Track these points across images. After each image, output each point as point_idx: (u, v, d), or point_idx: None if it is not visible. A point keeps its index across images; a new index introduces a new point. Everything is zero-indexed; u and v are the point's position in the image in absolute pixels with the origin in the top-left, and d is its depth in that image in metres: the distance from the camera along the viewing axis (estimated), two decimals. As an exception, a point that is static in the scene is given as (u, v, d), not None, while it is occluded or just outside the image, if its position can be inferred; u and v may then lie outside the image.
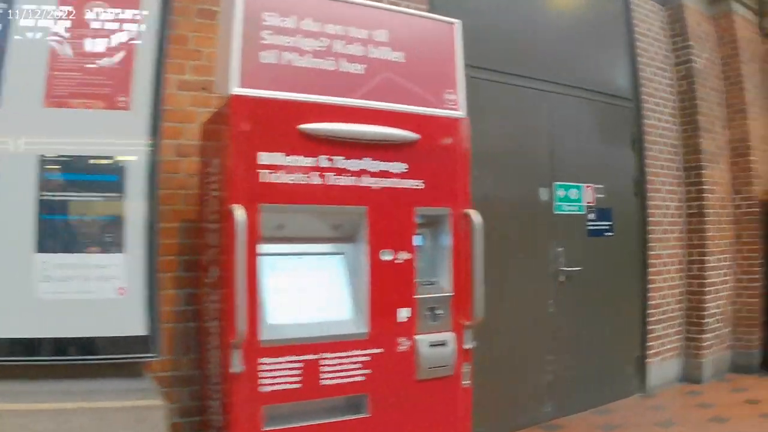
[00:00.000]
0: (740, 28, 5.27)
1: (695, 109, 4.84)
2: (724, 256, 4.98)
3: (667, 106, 4.86)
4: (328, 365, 2.07)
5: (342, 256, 2.27)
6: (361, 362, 2.13)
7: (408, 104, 2.30)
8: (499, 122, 3.73)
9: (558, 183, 3.98)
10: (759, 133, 5.22)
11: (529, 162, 3.90)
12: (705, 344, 4.78)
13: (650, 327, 4.55)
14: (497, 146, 3.69)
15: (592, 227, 4.16)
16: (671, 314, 4.73)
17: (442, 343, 2.31)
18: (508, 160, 3.78)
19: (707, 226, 4.78)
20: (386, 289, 2.20)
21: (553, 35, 4.12)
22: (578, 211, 4.09)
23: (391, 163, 2.23)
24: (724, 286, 4.98)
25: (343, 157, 2.14)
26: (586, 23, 4.43)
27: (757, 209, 5.07)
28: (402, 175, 2.26)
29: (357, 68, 2.25)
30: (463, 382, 2.36)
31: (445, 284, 2.36)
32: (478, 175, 3.47)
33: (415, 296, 2.26)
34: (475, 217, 2.35)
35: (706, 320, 4.76)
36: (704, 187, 4.79)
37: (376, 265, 2.19)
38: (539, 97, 3.97)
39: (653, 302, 4.56)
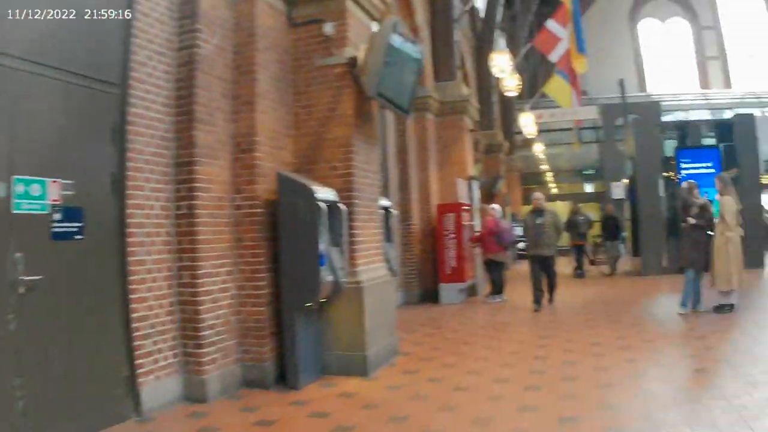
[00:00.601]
0: (262, 15, 7.04)
1: (193, 98, 6.32)
2: (223, 261, 6.61)
3: (161, 95, 6.22)
4: None
5: None
6: None
7: None
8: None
9: (18, 177, 4.78)
10: (268, 127, 7.06)
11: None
12: (206, 359, 6.24)
13: (138, 342, 5.75)
14: None
15: (57, 229, 5.10)
16: (162, 327, 6.05)
17: None
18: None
19: (199, 228, 6.26)
20: None
21: (26, 3, 4.89)
22: (42, 210, 4.97)
23: None
24: (224, 294, 6.59)
25: None
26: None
27: (261, 210, 6.82)
28: None
29: None
30: None
31: None
32: None
33: None
34: None
35: (203, 332, 6.24)
36: (196, 185, 6.26)
37: None
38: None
39: (138, 314, 5.79)
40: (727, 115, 27.91)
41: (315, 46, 7.50)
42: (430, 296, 13.96)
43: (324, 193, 6.90)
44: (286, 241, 6.76)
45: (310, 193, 6.69)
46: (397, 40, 7.28)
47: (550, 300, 12.30)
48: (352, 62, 7.35)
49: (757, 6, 40.47)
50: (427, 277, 14.19)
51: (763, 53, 40.16)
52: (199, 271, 6.24)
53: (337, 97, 7.38)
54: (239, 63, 6.93)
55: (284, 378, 6.75)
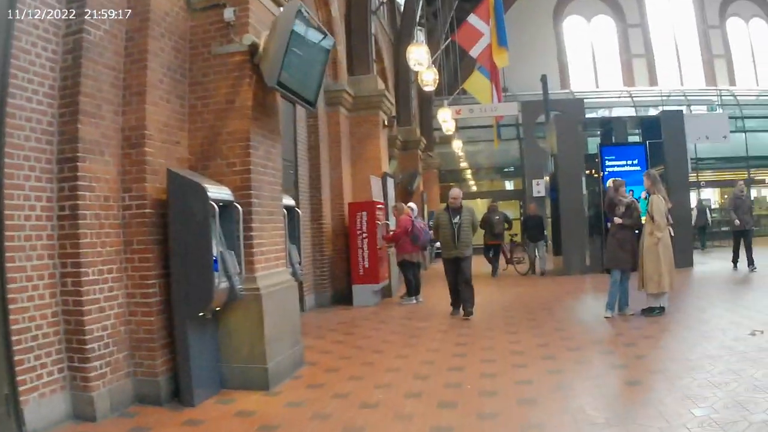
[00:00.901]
0: (158, -3, 6.85)
1: (78, 88, 6.08)
2: (110, 266, 6.39)
3: (44, 85, 5.97)
4: None
5: None
6: None
7: None
8: None
9: None
10: (160, 120, 6.86)
11: None
12: (93, 374, 6.01)
13: (19, 357, 5.48)
14: None
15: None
16: (45, 340, 5.79)
17: None
18: None
19: (83, 230, 6.02)
20: None
21: None
22: None
23: None
24: (111, 303, 6.37)
25: None
26: None
27: (151, 210, 6.62)
28: None
29: None
30: None
31: None
32: None
33: None
34: None
35: (90, 345, 6.01)
36: (80, 183, 6.02)
37: None
38: None
39: (19, 326, 5.52)
40: (653, 113, 28.77)
41: (214, 33, 7.33)
42: (343, 298, 14.01)
43: (218, 192, 6.72)
44: (177, 244, 6.57)
45: (201, 192, 6.48)
46: (301, 27, 7.14)
47: (466, 313, 11.36)
48: (253, 50, 7.19)
49: (684, 4, 41.91)
50: (339, 279, 14.25)
51: (691, 51, 41.65)
52: (84, 278, 6.01)
53: (236, 88, 7.21)
54: (131, 51, 6.71)
55: (179, 393, 6.59)
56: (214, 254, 6.50)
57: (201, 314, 6.59)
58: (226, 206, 6.76)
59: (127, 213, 6.60)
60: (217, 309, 6.81)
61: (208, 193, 6.48)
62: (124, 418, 6.10)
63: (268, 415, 6.15)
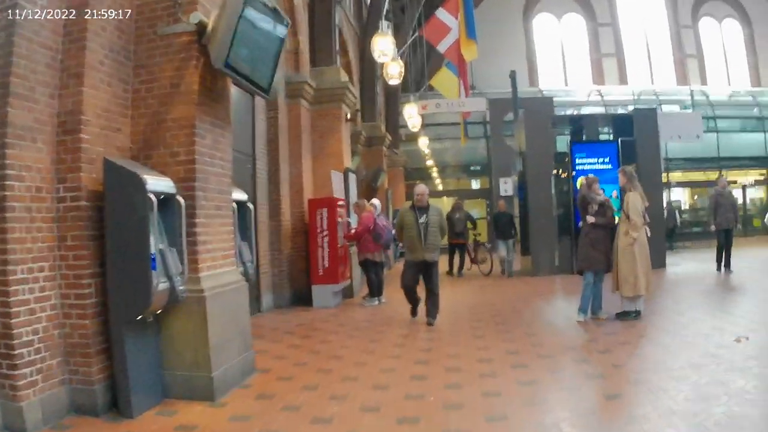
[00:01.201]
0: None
1: (9, 68, 5.68)
2: (42, 264, 5.97)
3: (-21, 67, 5.61)
4: None
5: None
6: None
7: None
8: None
9: None
10: (99, 104, 6.46)
11: None
12: (22, 382, 5.62)
13: None
14: None
15: None
16: (-28, 345, 5.42)
17: None
18: None
19: (11, 224, 5.61)
20: None
21: None
22: None
23: None
24: (43, 304, 5.95)
25: None
26: None
27: (86, 203, 6.22)
28: None
29: None
30: None
31: None
32: None
33: None
34: None
35: (18, 351, 5.60)
36: (8, 172, 5.61)
37: None
38: None
39: None
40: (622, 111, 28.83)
41: (161, 13, 6.93)
42: (303, 299, 13.74)
43: (158, 184, 6.30)
44: (113, 240, 6.17)
45: (138, 183, 6.06)
46: (251, 6, 6.78)
47: (429, 322, 10.76)
48: (201, 30, 6.81)
49: (656, 3, 42.25)
50: (298, 278, 13.97)
51: (662, 51, 41.99)
52: (11, 277, 5.60)
53: (181, 71, 6.83)
54: (70, 29, 6.32)
55: (116, 402, 6.25)
56: (153, 252, 6.10)
57: (139, 317, 6.22)
58: (168, 199, 6.40)
59: (62, 206, 6.20)
60: (158, 312, 6.44)
61: (146, 185, 6.07)
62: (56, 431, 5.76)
63: (210, 430, 5.79)
